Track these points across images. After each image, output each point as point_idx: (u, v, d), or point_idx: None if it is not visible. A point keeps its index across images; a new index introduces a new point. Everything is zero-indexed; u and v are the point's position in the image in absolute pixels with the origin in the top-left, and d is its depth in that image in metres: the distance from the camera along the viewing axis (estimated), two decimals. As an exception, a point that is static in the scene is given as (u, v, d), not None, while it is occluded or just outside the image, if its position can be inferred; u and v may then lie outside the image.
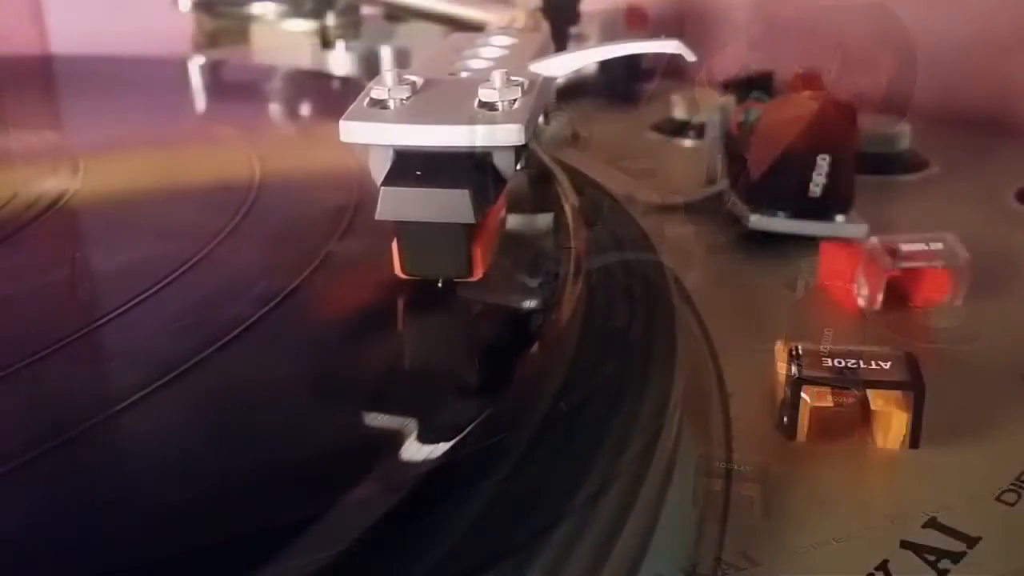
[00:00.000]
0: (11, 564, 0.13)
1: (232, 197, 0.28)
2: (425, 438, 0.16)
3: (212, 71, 0.53)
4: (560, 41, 0.43)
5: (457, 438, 0.16)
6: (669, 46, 0.22)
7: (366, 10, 0.58)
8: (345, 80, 0.52)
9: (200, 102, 0.47)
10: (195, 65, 0.54)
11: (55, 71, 0.56)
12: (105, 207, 0.29)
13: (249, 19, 0.59)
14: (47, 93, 0.50)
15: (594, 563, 0.15)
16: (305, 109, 0.45)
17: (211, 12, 0.61)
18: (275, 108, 0.45)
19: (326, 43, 0.57)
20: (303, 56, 0.57)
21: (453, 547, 0.15)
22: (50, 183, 0.30)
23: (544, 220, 0.26)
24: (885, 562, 0.18)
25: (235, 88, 0.51)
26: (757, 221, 0.33)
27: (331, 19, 0.56)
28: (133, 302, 0.21)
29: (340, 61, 0.57)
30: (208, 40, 0.68)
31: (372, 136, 0.20)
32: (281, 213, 0.28)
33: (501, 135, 0.20)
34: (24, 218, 0.27)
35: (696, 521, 0.19)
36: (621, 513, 0.16)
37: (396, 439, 0.16)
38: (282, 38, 0.58)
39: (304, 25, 0.57)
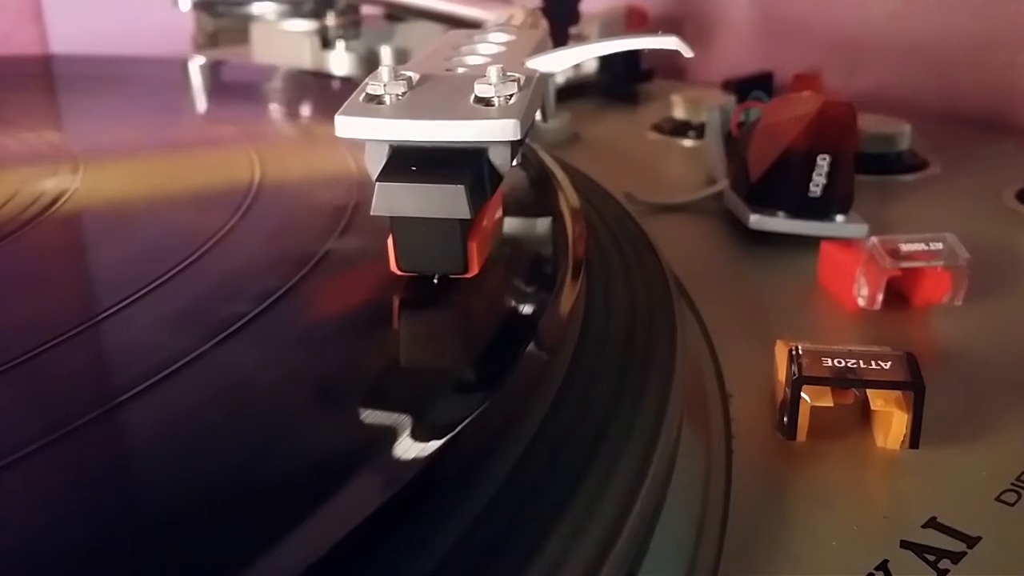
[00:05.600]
0: (9, 560, 0.13)
1: (232, 196, 0.28)
2: (419, 434, 0.16)
3: (212, 71, 0.53)
4: (560, 42, 0.43)
5: (452, 434, 0.16)
6: (667, 42, 0.22)
7: (366, 10, 0.58)
8: (345, 80, 0.51)
9: (200, 102, 0.47)
10: (195, 65, 0.54)
11: (55, 71, 0.55)
12: (105, 206, 0.29)
13: (249, 19, 0.59)
14: (47, 93, 0.50)
15: (593, 564, 0.15)
16: (305, 109, 0.45)
17: (211, 12, 0.61)
18: (275, 108, 0.45)
19: (326, 43, 0.57)
20: (303, 56, 0.57)
21: (450, 548, 0.15)
22: (50, 183, 0.30)
23: (543, 224, 0.25)
24: (885, 562, 0.18)
25: (235, 88, 0.51)
26: (757, 221, 0.33)
27: (331, 19, 0.57)
28: (132, 300, 0.21)
29: (340, 61, 0.57)
30: (208, 40, 0.68)
31: (368, 131, 0.20)
32: (280, 212, 0.28)
33: (497, 130, 0.20)
34: (24, 217, 0.27)
35: (696, 521, 0.19)
36: (621, 514, 0.16)
37: (392, 435, 0.16)
38: (282, 38, 0.58)
39: (304, 25, 0.57)
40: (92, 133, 0.38)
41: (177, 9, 0.58)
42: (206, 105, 0.46)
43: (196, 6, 0.60)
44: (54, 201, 0.28)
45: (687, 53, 0.22)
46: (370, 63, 0.56)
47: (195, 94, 0.48)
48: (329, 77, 0.54)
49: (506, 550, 0.15)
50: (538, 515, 0.16)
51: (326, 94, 0.47)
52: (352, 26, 0.57)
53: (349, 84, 0.47)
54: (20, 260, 0.25)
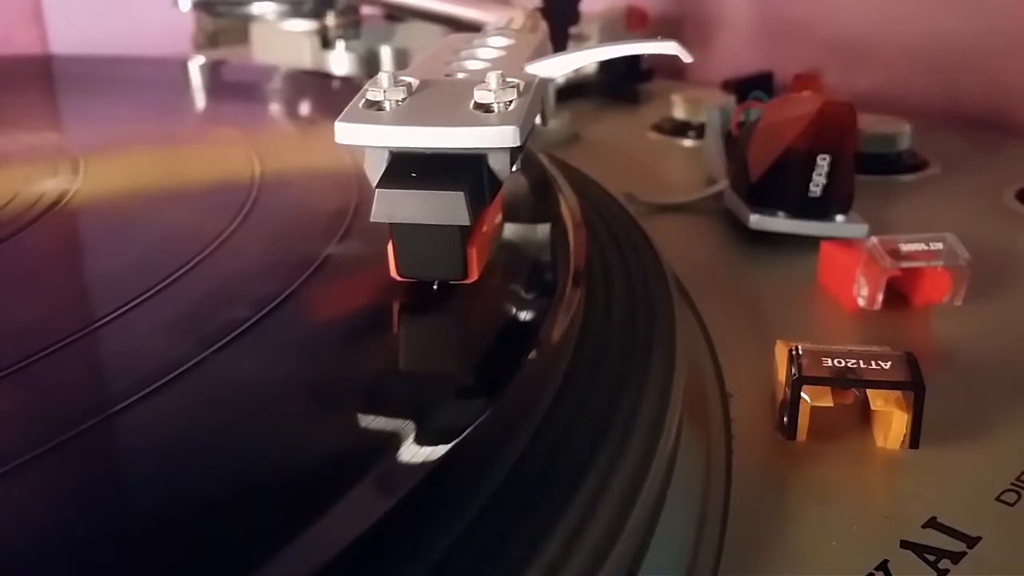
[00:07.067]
0: (7, 564, 0.13)
1: (232, 198, 0.28)
2: (422, 440, 0.16)
3: (212, 71, 0.53)
4: (560, 41, 0.43)
5: (455, 441, 0.16)
6: (666, 47, 0.22)
7: (366, 10, 0.58)
8: (345, 80, 0.52)
9: (200, 102, 0.47)
10: (195, 65, 0.54)
11: (55, 71, 0.55)
12: (105, 207, 0.29)
13: (249, 19, 0.59)
14: (47, 93, 0.50)
15: (593, 564, 0.15)
16: (305, 109, 0.45)
17: (211, 12, 0.61)
18: (275, 108, 0.45)
19: (326, 43, 0.57)
20: (303, 56, 0.57)
21: (450, 549, 0.15)
22: (51, 183, 0.30)
23: (543, 229, 0.25)
24: (885, 562, 0.18)
25: (235, 88, 0.51)
26: (757, 221, 0.33)
27: (331, 19, 0.57)
28: (133, 303, 0.21)
29: (340, 61, 0.57)
30: (208, 40, 0.68)
31: (367, 138, 0.20)
32: (281, 216, 0.28)
33: (496, 137, 0.20)
34: (25, 218, 0.27)
35: (696, 521, 0.19)
36: (620, 514, 0.16)
37: (393, 441, 0.16)
38: (282, 38, 0.58)
39: (304, 25, 0.57)
40: (93, 133, 0.38)
41: (177, 9, 0.58)
42: (207, 106, 0.46)
43: (196, 6, 0.60)
44: (55, 202, 0.28)
45: (686, 58, 0.22)
46: (370, 63, 0.56)
47: (196, 95, 0.48)
48: (329, 77, 0.54)
49: (506, 550, 0.15)
50: (538, 515, 0.16)
51: (327, 95, 0.47)
52: (352, 26, 0.57)
53: (349, 85, 0.47)
54: (21, 261, 0.25)
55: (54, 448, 0.16)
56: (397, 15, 0.58)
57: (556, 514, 0.16)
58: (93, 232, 0.28)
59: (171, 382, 0.18)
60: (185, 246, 0.24)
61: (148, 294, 0.22)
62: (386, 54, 0.56)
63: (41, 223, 0.27)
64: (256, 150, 0.33)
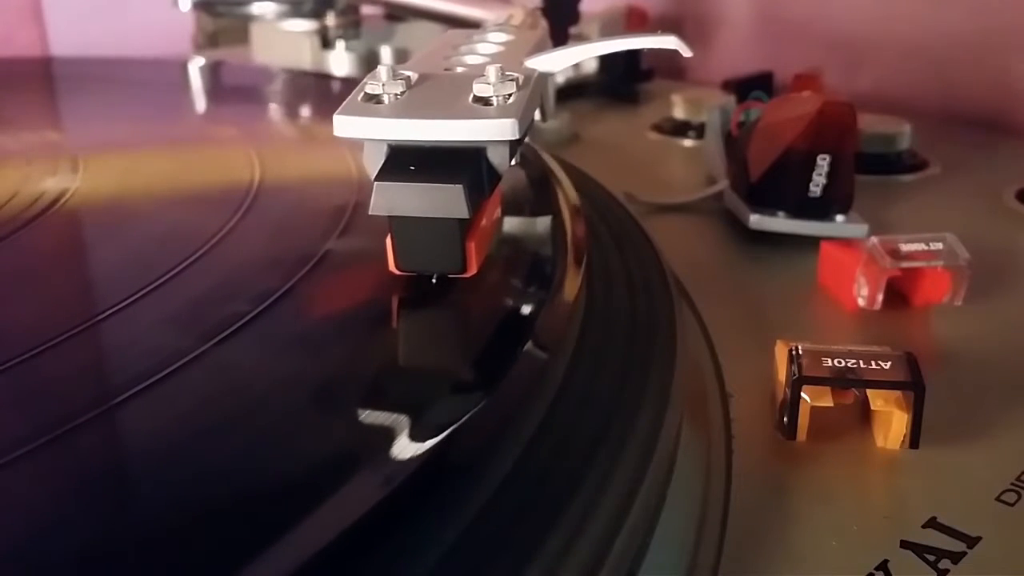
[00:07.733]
0: (5, 560, 0.13)
1: (232, 196, 0.28)
2: (419, 434, 0.16)
3: (212, 71, 0.53)
4: (560, 41, 0.43)
5: (449, 431, 0.16)
6: (666, 41, 0.22)
7: (366, 10, 0.59)
8: (345, 81, 0.52)
9: (200, 102, 0.47)
10: (195, 65, 0.54)
11: (55, 72, 0.56)
12: (105, 206, 0.29)
13: (249, 19, 0.59)
14: (47, 93, 0.50)
15: (593, 565, 0.15)
16: (305, 109, 0.45)
17: (211, 12, 0.61)
18: (275, 108, 0.45)
19: (326, 43, 0.57)
20: (303, 56, 0.57)
21: (449, 548, 0.15)
22: (50, 182, 0.30)
23: (542, 223, 0.25)
24: (885, 562, 0.18)
25: (235, 88, 0.51)
26: (757, 221, 0.33)
27: (331, 19, 0.57)
28: (131, 300, 0.21)
29: (340, 61, 0.57)
30: (208, 40, 0.68)
31: (366, 131, 0.20)
32: (280, 212, 0.28)
33: (495, 130, 0.20)
34: (24, 217, 0.27)
35: (696, 521, 0.19)
36: (620, 514, 0.16)
37: (390, 434, 0.16)
38: (282, 38, 0.58)
39: (304, 25, 0.57)
40: (92, 133, 0.38)
41: (177, 9, 0.58)
42: (206, 105, 0.46)
43: (196, 6, 0.60)
44: (55, 201, 0.28)
45: (686, 52, 0.22)
46: (370, 63, 0.56)
47: (195, 94, 0.48)
48: (329, 77, 0.54)
49: (506, 550, 0.15)
50: (538, 515, 0.16)
51: (326, 94, 0.47)
52: (352, 26, 0.57)
53: (349, 84, 0.47)
54: (21, 260, 0.25)
55: (54, 441, 0.16)
56: (397, 15, 0.58)
57: (556, 514, 0.16)
58: (92, 230, 0.28)
59: (167, 376, 0.18)
60: (184, 243, 0.24)
61: (146, 290, 0.22)
62: (386, 54, 0.56)
63: (40, 221, 0.27)
64: (255, 149, 0.33)
